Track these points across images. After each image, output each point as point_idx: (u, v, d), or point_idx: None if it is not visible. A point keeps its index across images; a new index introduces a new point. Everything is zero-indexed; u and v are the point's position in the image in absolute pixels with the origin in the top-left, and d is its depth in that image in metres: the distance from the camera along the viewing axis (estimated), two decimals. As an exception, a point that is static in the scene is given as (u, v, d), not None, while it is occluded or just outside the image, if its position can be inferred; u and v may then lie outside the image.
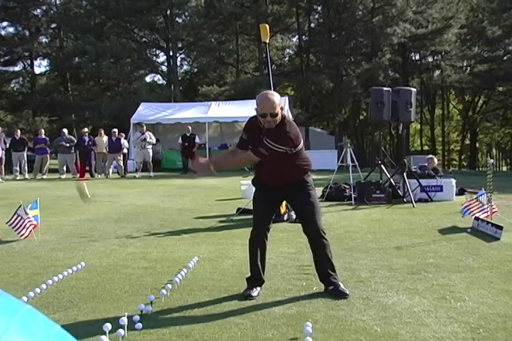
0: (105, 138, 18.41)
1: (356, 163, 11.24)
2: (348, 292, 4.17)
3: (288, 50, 44.89)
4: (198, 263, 5.25)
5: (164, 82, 40.70)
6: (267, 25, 8.61)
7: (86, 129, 19.36)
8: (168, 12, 35.96)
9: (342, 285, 4.24)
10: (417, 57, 40.34)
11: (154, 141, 18.79)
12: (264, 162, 4.17)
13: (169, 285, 4.24)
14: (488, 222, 6.86)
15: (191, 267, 5.01)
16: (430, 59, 40.06)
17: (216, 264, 5.26)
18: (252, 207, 8.54)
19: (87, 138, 18.29)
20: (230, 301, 4.05)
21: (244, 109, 22.29)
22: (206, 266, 5.16)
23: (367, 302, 4.00)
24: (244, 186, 10.98)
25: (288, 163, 4.23)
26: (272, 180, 4.32)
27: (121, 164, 18.32)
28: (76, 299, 4.14)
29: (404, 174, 10.45)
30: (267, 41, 8.63)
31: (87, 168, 18.34)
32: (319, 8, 36.19)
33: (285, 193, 4.41)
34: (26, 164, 18.22)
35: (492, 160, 7.74)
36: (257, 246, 4.40)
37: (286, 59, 44.94)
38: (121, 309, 3.86)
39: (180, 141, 19.52)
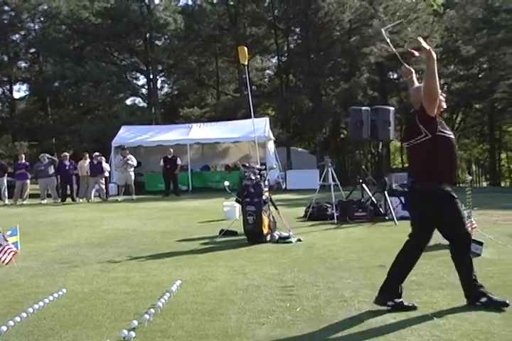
0: (88, 161, 18.32)
1: (338, 181, 11.29)
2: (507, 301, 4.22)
3: (268, 71, 45.31)
4: (181, 286, 5.21)
5: (145, 104, 40.77)
6: (245, 48, 8.72)
7: (66, 153, 19.24)
8: (148, 35, 36.19)
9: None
10: (395, 76, 40.84)
11: (136, 164, 18.72)
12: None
13: (152, 310, 4.20)
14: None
15: (174, 291, 4.97)
16: (408, 77, 40.54)
17: (199, 287, 5.23)
18: (232, 229, 8.56)
19: (67, 163, 18.17)
20: (213, 324, 4.02)
21: (225, 130, 22.40)
22: (189, 289, 5.12)
23: (351, 322, 3.99)
24: (227, 207, 10.98)
25: None
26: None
27: (103, 187, 18.22)
28: (57, 327, 4.08)
29: (385, 192, 10.51)
30: (246, 63, 8.72)
31: (69, 193, 18.19)
32: (297, 29, 36.64)
33: None
34: (6, 190, 18.04)
35: (470, 177, 7.83)
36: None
37: (266, 80, 45.30)
38: (104, 336, 3.81)
39: (162, 163, 19.49)
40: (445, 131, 4.26)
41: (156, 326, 3.99)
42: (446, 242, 7.04)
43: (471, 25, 37.01)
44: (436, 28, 36.17)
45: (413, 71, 4.70)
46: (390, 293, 4.32)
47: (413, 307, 4.26)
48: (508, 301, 4.20)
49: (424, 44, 4.18)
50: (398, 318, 4.05)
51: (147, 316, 4.04)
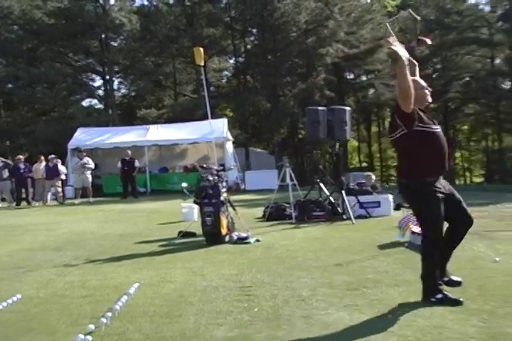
0: (43, 164, 18.01)
1: (295, 181, 11.36)
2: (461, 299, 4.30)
3: (225, 72, 45.28)
4: (138, 289, 5.17)
5: (101, 106, 40.29)
6: (201, 48, 8.70)
7: (21, 156, 18.86)
8: (103, 36, 35.78)
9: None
10: (352, 76, 41.40)
11: (93, 166, 18.49)
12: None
13: (109, 313, 4.15)
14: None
15: (132, 293, 4.92)
16: (364, 78, 41.19)
17: (157, 289, 5.20)
18: (191, 231, 8.53)
19: (22, 165, 17.82)
20: (171, 326, 4.00)
21: (183, 132, 22.30)
22: (147, 292, 5.09)
23: (308, 321, 4.02)
24: (185, 209, 10.93)
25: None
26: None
27: (60, 190, 17.94)
28: (11, 333, 4.00)
29: (343, 191, 10.63)
30: (202, 64, 8.71)
31: (24, 196, 17.84)
32: (254, 30, 36.76)
33: None
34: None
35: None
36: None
37: (224, 80, 45.27)
38: (59, 341, 3.76)
39: (119, 165, 19.28)
40: (425, 125, 4.30)
41: (113, 329, 3.95)
42: (398, 240, 7.21)
43: (424, 26, 37.70)
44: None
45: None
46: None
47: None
48: (461, 299, 4.30)
49: (393, 46, 4.22)
50: (354, 316, 4.10)
51: (104, 320, 3.99)
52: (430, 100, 4.49)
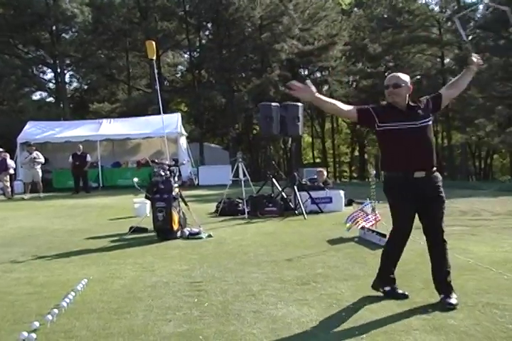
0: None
1: (248, 177, 11.39)
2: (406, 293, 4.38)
3: (180, 67, 44.94)
4: (87, 285, 5.09)
5: (52, 99, 39.46)
6: (153, 42, 8.61)
7: (-33, 150, 18.35)
8: (54, 27, 34.99)
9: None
10: (306, 72, 41.63)
11: (43, 161, 18.12)
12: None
13: (55, 310, 4.08)
14: (373, 231, 7.17)
15: (80, 290, 4.84)
16: (318, 74, 41.49)
17: (106, 285, 5.14)
18: (142, 226, 8.47)
19: (-31, 159, 17.34)
20: (119, 323, 3.96)
21: (136, 126, 22.05)
22: (96, 288, 5.02)
23: (257, 316, 4.04)
24: (137, 204, 10.84)
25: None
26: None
27: (8, 185, 17.52)
28: (-47, 331, 3.90)
29: (295, 187, 10.70)
30: (154, 58, 8.62)
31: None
32: (209, 24, 36.57)
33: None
34: None
35: (374, 171, 8.10)
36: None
37: (179, 75, 44.93)
38: (2, 340, 3.67)
39: (70, 159, 18.94)
40: (388, 124, 4.35)
41: (59, 327, 3.89)
42: (349, 235, 7.32)
43: (377, 24, 38.28)
44: (344, 26, 37.15)
45: None
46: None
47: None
48: (407, 293, 4.40)
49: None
50: (303, 310, 4.14)
51: (50, 317, 3.92)
52: (395, 99, 4.42)
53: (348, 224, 7.67)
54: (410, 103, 4.41)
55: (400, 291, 4.44)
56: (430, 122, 4.38)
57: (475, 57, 4.49)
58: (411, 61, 39.20)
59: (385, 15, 38.67)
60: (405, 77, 4.45)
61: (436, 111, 4.50)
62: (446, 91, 4.54)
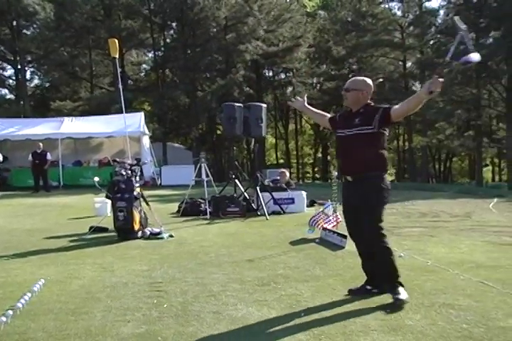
0: None
1: (211, 177, 11.36)
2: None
3: (144, 65, 44.62)
4: (44, 285, 5.00)
5: (12, 96, 38.72)
6: (116, 40, 8.52)
7: None
8: (15, 23, 34.34)
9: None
10: (271, 73, 41.82)
11: (1, 159, 17.74)
12: None
13: (10, 312, 3.99)
14: (334, 232, 7.22)
15: (36, 290, 4.76)
16: (283, 75, 41.72)
17: (64, 286, 5.06)
18: (103, 226, 8.37)
19: None
20: (77, 324, 3.90)
21: (98, 125, 21.79)
22: (53, 289, 4.94)
23: (217, 316, 4.03)
24: (98, 204, 10.71)
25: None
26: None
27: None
28: None
29: (258, 188, 10.72)
30: (116, 56, 8.54)
31: None
32: (174, 24, 36.38)
33: None
34: None
35: (336, 173, 8.17)
36: None
37: (143, 74, 44.59)
38: (-45, 340, 3.59)
39: (30, 158, 18.60)
40: (337, 131, 4.63)
41: (13, 328, 3.80)
42: (310, 236, 7.36)
43: (341, 27, 38.64)
44: (309, 29, 37.44)
45: None
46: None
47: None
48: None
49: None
50: (263, 311, 4.14)
51: (4, 318, 3.83)
52: (344, 102, 4.57)
53: (310, 227, 7.73)
54: (360, 109, 4.46)
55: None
56: (367, 131, 4.32)
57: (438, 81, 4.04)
58: (374, 64, 39.73)
59: (349, 19, 39.06)
60: (359, 82, 4.49)
61: (384, 125, 4.34)
62: (398, 107, 4.29)
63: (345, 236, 6.80)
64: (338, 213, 7.72)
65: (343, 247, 6.66)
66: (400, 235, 7.80)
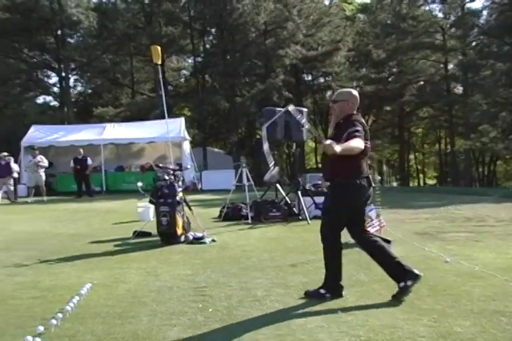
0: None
1: (252, 182, 11.38)
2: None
3: (184, 71, 45.05)
4: (91, 289, 5.08)
5: (57, 103, 39.56)
6: (159, 47, 8.63)
7: (-28, 153, 18.37)
8: (59, 32, 35.13)
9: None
10: (310, 78, 41.71)
11: (47, 165, 18.15)
12: None
13: (60, 315, 4.06)
14: (378, 237, 7.13)
15: (84, 294, 4.84)
16: (322, 80, 41.57)
17: (110, 290, 5.13)
18: (146, 230, 8.46)
19: (-27, 163, 17.36)
20: (124, 328, 3.95)
21: (140, 131, 22.12)
22: (100, 292, 5.02)
23: (262, 321, 4.02)
24: (141, 208, 10.83)
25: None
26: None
27: (12, 189, 17.55)
28: (-43, 335, 3.90)
29: (299, 192, 10.69)
30: (159, 62, 8.64)
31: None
32: (213, 30, 36.64)
33: None
34: None
35: (379, 177, 8.11)
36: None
37: (182, 80, 45.02)
38: (7, 343, 3.67)
39: (72, 164, 18.94)
40: None
41: (63, 331, 3.88)
42: (353, 240, 7.29)
43: (381, 30, 38.33)
44: (348, 32, 37.25)
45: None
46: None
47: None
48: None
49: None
50: (308, 316, 4.12)
51: (54, 321, 3.91)
52: (335, 114, 4.76)
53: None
54: (341, 120, 4.66)
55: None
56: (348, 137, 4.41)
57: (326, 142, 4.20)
58: (415, 67, 39.26)
59: (389, 21, 38.73)
60: (345, 94, 4.74)
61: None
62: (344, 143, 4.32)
63: (389, 241, 6.71)
64: (381, 218, 7.65)
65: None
66: (444, 240, 7.68)
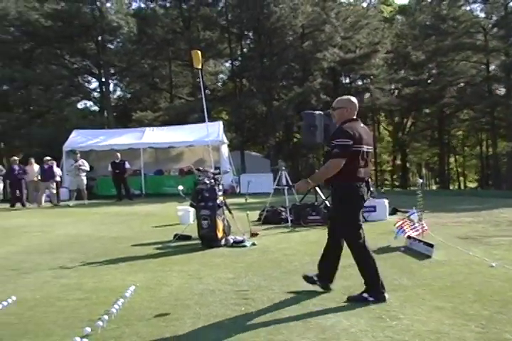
0: (36, 166, 17.97)
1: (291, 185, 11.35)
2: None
3: (221, 75, 45.31)
4: (135, 292, 5.14)
5: (97, 108, 40.23)
6: (199, 52, 8.69)
7: (16, 157, 18.80)
8: (100, 38, 35.77)
9: None
10: (347, 80, 41.48)
11: (88, 168, 18.45)
12: None
13: (105, 316, 4.13)
14: (419, 241, 7.05)
15: (128, 296, 4.91)
16: (360, 82, 41.29)
17: (154, 292, 5.18)
18: (186, 234, 8.52)
19: (17, 167, 17.75)
20: (168, 330, 3.98)
21: (179, 134, 22.29)
22: (144, 295, 5.07)
23: (306, 325, 4.01)
24: (181, 212, 10.91)
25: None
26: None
27: (54, 192, 17.90)
28: (6, 336, 3.98)
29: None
30: (200, 67, 8.69)
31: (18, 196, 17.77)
32: (250, 33, 36.77)
33: None
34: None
35: (421, 180, 8.00)
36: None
37: (220, 84, 45.28)
38: (55, 344, 3.74)
39: (109, 168, 19.16)
40: None
41: (109, 332, 3.94)
42: (395, 244, 7.20)
43: (420, 32, 37.89)
44: (386, 34, 36.94)
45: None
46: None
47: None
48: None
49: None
50: (352, 320, 4.09)
51: (100, 323, 3.97)
52: (335, 120, 5.06)
53: (397, 236, 7.56)
54: (338, 126, 4.87)
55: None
56: (332, 149, 4.63)
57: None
58: (455, 68, 38.69)
59: (428, 23, 38.25)
60: (344, 101, 4.89)
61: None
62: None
63: (431, 245, 6.64)
64: (423, 221, 7.54)
65: (430, 256, 6.49)
66: (489, 244, 7.53)
